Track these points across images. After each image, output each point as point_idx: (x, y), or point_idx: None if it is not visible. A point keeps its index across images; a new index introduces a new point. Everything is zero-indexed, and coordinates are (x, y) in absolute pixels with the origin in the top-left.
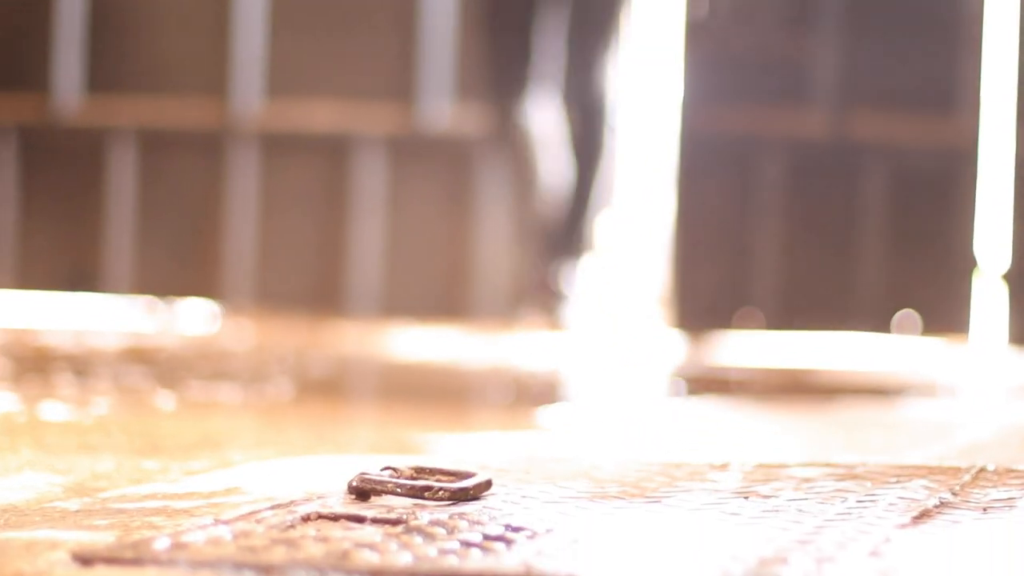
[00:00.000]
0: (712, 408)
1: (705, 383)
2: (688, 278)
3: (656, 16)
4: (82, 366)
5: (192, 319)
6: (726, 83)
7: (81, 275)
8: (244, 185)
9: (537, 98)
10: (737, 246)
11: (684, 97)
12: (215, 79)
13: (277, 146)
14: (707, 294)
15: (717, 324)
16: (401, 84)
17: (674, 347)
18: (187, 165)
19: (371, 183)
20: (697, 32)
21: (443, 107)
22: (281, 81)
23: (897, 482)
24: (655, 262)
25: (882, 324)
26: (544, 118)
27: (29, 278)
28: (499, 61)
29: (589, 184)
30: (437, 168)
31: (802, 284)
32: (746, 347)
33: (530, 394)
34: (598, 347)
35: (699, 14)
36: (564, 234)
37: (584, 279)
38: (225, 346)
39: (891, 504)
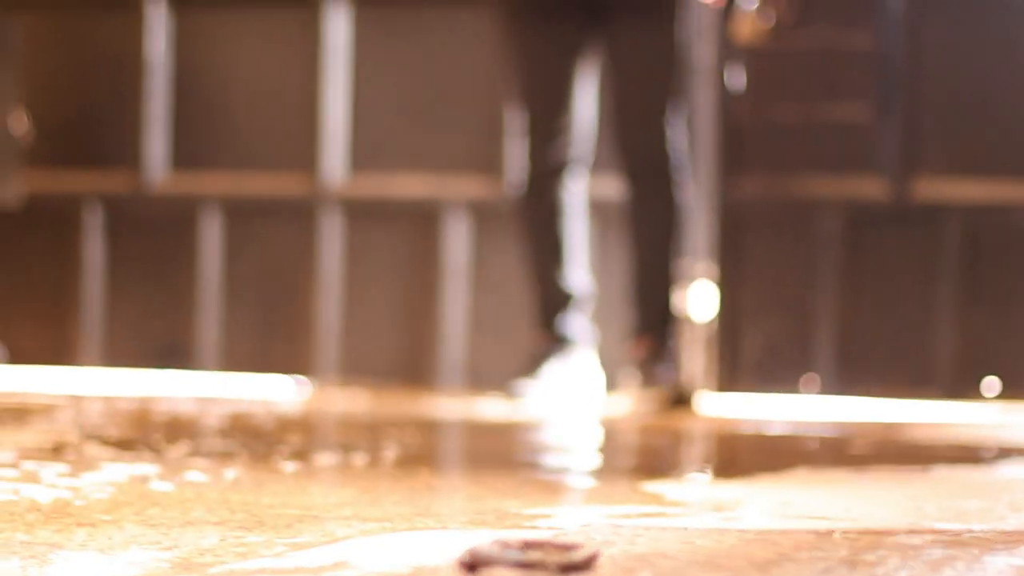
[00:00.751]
0: (807, 474)
1: (789, 450)
2: (746, 342)
3: (701, 81)
4: (179, 438)
5: (283, 390)
6: (776, 148)
7: (170, 350)
8: (331, 256)
9: (571, 168)
10: (794, 309)
11: (730, 163)
12: (302, 154)
13: (364, 217)
14: (765, 359)
15: (780, 389)
16: (487, 155)
17: (755, 412)
18: (275, 237)
19: (458, 253)
20: (740, 99)
21: None
22: (367, 155)
23: (1004, 548)
24: (716, 327)
25: (962, 389)
26: (576, 188)
27: (118, 354)
28: (528, 131)
29: (667, 251)
30: None
31: (866, 348)
32: (817, 411)
33: (630, 463)
34: (685, 413)
35: (739, 82)
36: (648, 303)
37: (670, 348)
38: (317, 417)
39: (1000, 571)
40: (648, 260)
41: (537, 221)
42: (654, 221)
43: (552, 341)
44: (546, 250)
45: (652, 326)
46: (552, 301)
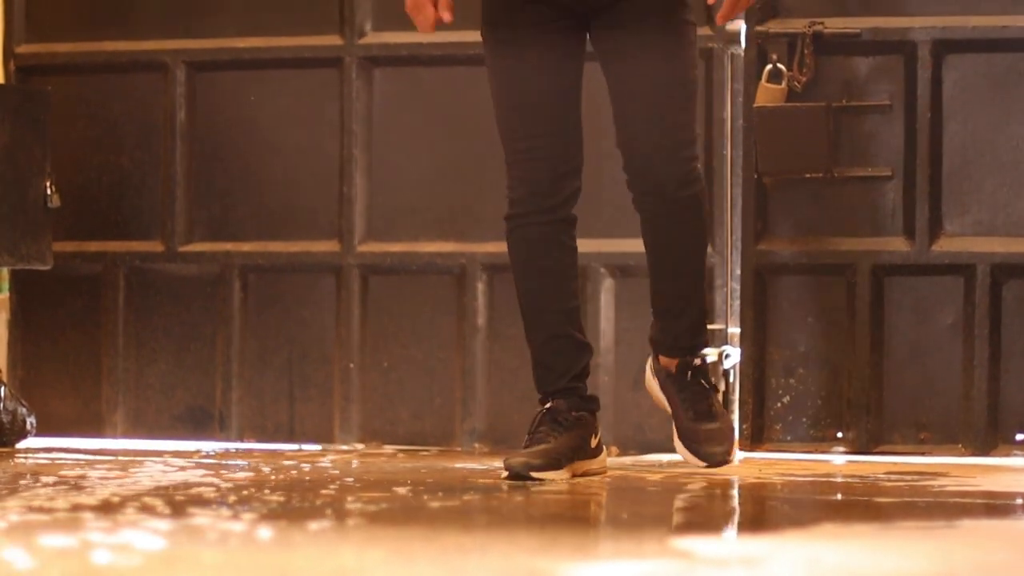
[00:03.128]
0: (835, 528)
1: (817, 504)
2: (772, 398)
3: (725, 138)
4: (207, 500)
5: (310, 451)
6: (799, 204)
7: (196, 417)
8: (355, 321)
9: (571, 197)
10: (819, 364)
11: (755, 220)
12: (328, 216)
13: (388, 279)
14: (792, 414)
15: (807, 444)
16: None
17: (782, 467)
18: (300, 303)
19: (483, 313)
20: (763, 156)
21: None
22: (392, 216)
23: None
24: (742, 383)
25: (990, 443)
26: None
27: (144, 421)
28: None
29: (691, 260)
30: None
31: (893, 403)
32: (844, 466)
33: (658, 518)
34: (711, 467)
35: (762, 140)
36: (674, 319)
37: (701, 367)
38: (344, 478)
39: None
40: (670, 271)
41: (535, 260)
42: (670, 236)
43: (561, 402)
44: (547, 293)
45: (680, 344)
46: (557, 355)
